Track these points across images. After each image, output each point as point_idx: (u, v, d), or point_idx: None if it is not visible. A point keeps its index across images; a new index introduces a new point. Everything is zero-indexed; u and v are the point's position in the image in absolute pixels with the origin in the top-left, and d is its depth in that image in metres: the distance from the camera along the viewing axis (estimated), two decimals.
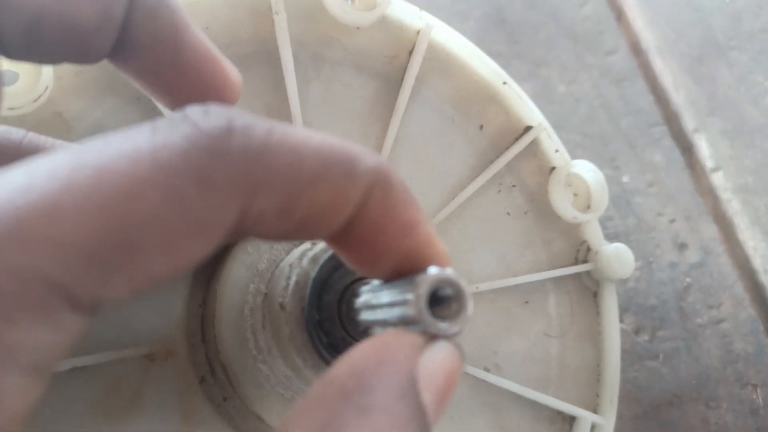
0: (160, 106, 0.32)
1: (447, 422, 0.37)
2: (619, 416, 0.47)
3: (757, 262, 0.54)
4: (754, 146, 0.59)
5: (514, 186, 0.40)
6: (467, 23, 0.60)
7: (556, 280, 0.40)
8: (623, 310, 0.51)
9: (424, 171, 0.38)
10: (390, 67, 0.37)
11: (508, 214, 0.40)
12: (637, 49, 0.62)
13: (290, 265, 0.30)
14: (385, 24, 0.36)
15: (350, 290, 0.29)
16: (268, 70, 0.35)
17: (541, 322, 0.40)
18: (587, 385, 0.40)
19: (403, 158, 0.38)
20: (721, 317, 0.52)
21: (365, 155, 0.22)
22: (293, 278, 0.29)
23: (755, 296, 0.53)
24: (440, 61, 0.38)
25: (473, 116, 0.39)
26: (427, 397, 0.21)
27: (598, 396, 0.40)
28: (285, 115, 0.35)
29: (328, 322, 0.29)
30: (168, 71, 0.26)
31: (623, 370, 0.49)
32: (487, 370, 0.38)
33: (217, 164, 0.19)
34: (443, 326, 0.22)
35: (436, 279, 0.22)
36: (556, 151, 0.40)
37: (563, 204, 0.40)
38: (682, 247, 0.54)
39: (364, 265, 0.24)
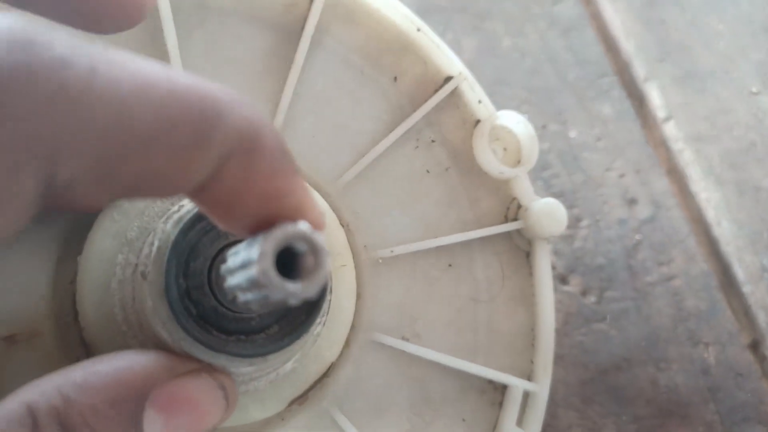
0: None
1: (362, 399, 0.34)
2: (565, 383, 0.44)
3: (710, 215, 0.51)
4: (706, 92, 0.56)
5: (433, 141, 0.37)
6: None
7: (484, 240, 0.37)
8: (569, 272, 0.48)
9: (329, 129, 0.35)
10: (288, 17, 0.34)
11: (428, 171, 0.37)
12: None
13: (155, 230, 0.27)
14: None
15: (221, 256, 0.26)
16: (145, 21, 0.31)
17: (468, 286, 0.37)
18: (520, 351, 0.37)
19: (303, 116, 0.35)
20: (672, 274, 0.49)
21: (230, 110, 0.18)
22: (155, 243, 0.26)
23: (709, 250, 0.50)
24: (345, 8, 0.35)
25: (386, 67, 0.36)
26: (154, 418, 0.21)
27: (532, 362, 0.37)
28: None
29: (197, 290, 0.26)
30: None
31: (569, 334, 0.46)
32: (406, 339, 0.35)
33: (2, 115, 0.14)
34: (295, 288, 0.19)
35: (284, 234, 0.19)
36: (480, 102, 0.37)
37: (489, 159, 0.36)
38: (631, 202, 0.51)
39: (225, 225, 0.21)
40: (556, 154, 0.51)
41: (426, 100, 0.36)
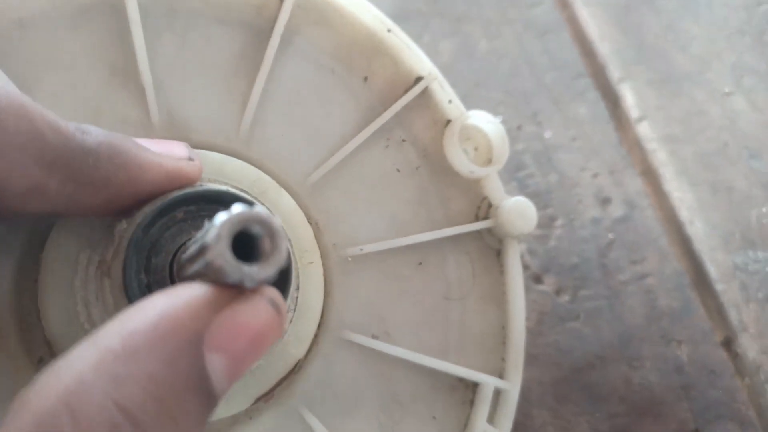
0: None
1: (331, 398, 0.34)
2: (540, 382, 0.44)
3: (684, 214, 0.51)
4: (681, 94, 0.56)
5: (404, 141, 0.37)
6: None
7: (455, 239, 0.37)
8: (544, 271, 0.48)
9: (299, 129, 0.35)
10: (259, 19, 0.34)
11: (398, 170, 0.36)
12: (562, 1, 0.58)
13: (119, 231, 0.26)
14: None
15: (181, 252, 0.26)
16: (113, 23, 0.31)
17: (438, 285, 0.36)
18: (491, 349, 0.37)
19: (272, 116, 0.34)
20: (646, 272, 0.49)
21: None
22: (116, 241, 0.26)
23: (682, 249, 0.50)
24: (316, 9, 0.35)
25: (356, 68, 0.36)
26: (217, 360, 0.19)
27: (503, 360, 0.37)
28: (132, 75, 0.31)
29: (159, 285, 0.26)
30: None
31: (543, 334, 0.46)
32: (375, 337, 0.34)
33: None
34: (251, 270, 0.19)
35: (240, 218, 0.19)
36: (450, 102, 0.37)
37: (459, 158, 0.36)
38: (605, 201, 0.51)
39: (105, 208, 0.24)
40: (531, 155, 0.51)
41: (396, 100, 0.36)
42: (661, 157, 0.53)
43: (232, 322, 0.19)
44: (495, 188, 0.37)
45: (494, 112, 0.37)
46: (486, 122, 0.37)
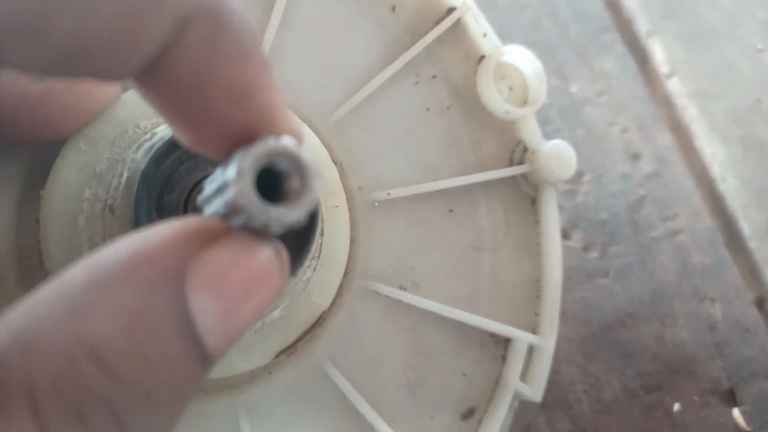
0: None
1: (354, 350, 0.31)
2: (567, 339, 0.42)
3: (716, 171, 0.49)
4: (711, 49, 0.53)
5: (434, 77, 0.34)
6: None
7: (488, 185, 0.34)
8: (571, 227, 0.46)
9: (321, 61, 0.32)
10: None
11: (428, 109, 0.34)
12: None
13: (124, 161, 0.23)
14: None
15: (198, 188, 0.23)
16: None
17: (469, 234, 0.34)
18: (524, 303, 0.34)
19: (292, 47, 0.32)
20: (677, 229, 0.47)
21: None
22: (125, 174, 0.23)
23: (714, 206, 0.48)
24: None
25: None
26: (202, 301, 0.15)
27: (537, 314, 0.34)
28: None
29: None
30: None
31: (571, 290, 0.44)
32: (403, 288, 0.32)
33: None
34: (278, 212, 0.16)
35: (265, 149, 0.16)
36: (485, 35, 0.34)
37: (494, 98, 0.33)
38: (635, 157, 0.49)
39: (190, 135, 0.17)
40: (557, 110, 0.49)
41: (426, 32, 0.33)
42: (691, 113, 0.51)
43: (220, 260, 0.16)
44: (531, 131, 0.34)
45: None
46: (522, 59, 0.34)
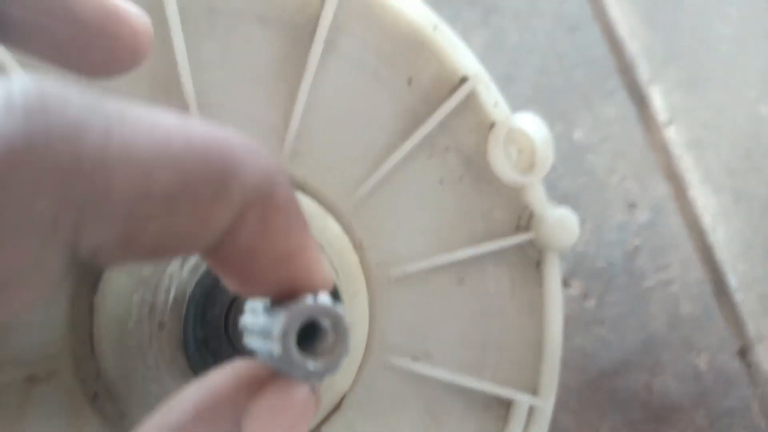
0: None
1: (370, 419, 0.33)
2: (565, 386, 0.44)
3: (707, 221, 0.51)
4: (708, 98, 0.55)
5: (447, 149, 0.35)
6: None
7: (496, 252, 0.35)
8: (571, 275, 0.48)
9: (342, 142, 0.33)
10: (300, 16, 0.32)
11: (441, 182, 0.35)
12: None
13: (170, 276, 0.25)
14: None
15: (237, 304, 0.25)
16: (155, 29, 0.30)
17: (478, 301, 0.35)
18: (527, 363, 0.36)
19: (316, 126, 0.33)
20: (670, 279, 0.49)
21: (245, 163, 0.17)
22: (172, 292, 0.25)
23: (704, 257, 0.50)
24: (360, 5, 0.32)
25: (400, 68, 0.34)
26: None
27: (539, 373, 0.36)
28: (173, 83, 0.29)
29: (215, 340, 0.25)
30: (62, 41, 0.20)
31: (570, 338, 0.46)
32: (416, 359, 0.34)
33: (20, 189, 0.13)
34: (315, 367, 0.17)
35: (308, 311, 0.17)
36: (495, 105, 0.35)
37: (503, 165, 0.34)
38: (632, 206, 0.51)
39: (238, 288, 0.19)
40: (560, 155, 0.51)
41: (441, 103, 0.34)
42: (687, 163, 0.53)
43: (270, 408, 0.18)
44: (538, 198, 0.36)
45: (524, 109, 0.36)
46: (531, 125, 0.35)
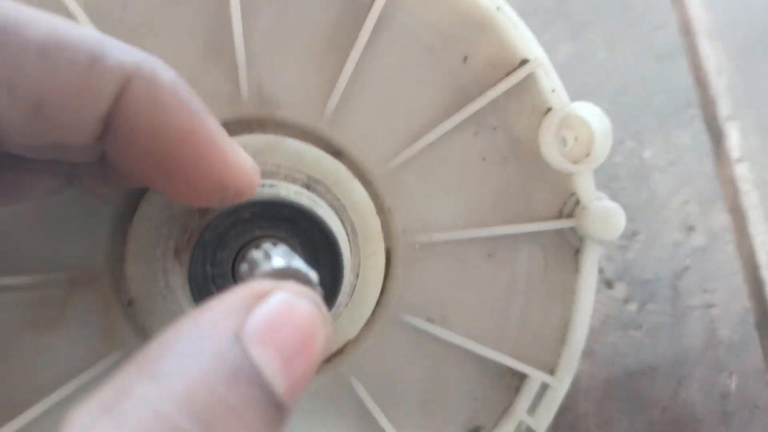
0: None
1: (376, 367, 0.35)
2: (591, 375, 0.47)
3: (762, 258, 0.52)
4: None
5: (496, 128, 0.34)
6: None
7: (533, 233, 0.35)
8: (617, 278, 0.50)
9: (387, 110, 0.33)
10: None
11: (484, 159, 0.34)
12: (686, 29, 0.60)
13: (192, 217, 0.29)
14: None
15: (243, 251, 0.28)
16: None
17: (506, 277, 0.35)
18: (548, 345, 0.36)
19: (360, 97, 0.33)
20: (713, 302, 0.50)
21: (116, 50, 0.19)
22: (188, 231, 0.28)
23: (753, 290, 0.51)
24: None
25: (457, 45, 0.33)
26: (263, 352, 0.17)
27: (558, 356, 0.36)
28: (227, 51, 0.31)
29: (221, 278, 0.28)
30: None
31: (605, 333, 0.48)
32: (430, 320, 0.35)
33: None
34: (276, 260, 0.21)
35: (277, 273, 0.21)
36: (553, 90, 0.34)
37: (554, 150, 0.34)
38: (689, 229, 0.52)
39: (164, 187, 0.21)
40: (627, 169, 0.53)
41: (495, 84, 0.33)
42: (753, 199, 0.54)
43: (268, 316, 0.18)
44: (587, 186, 0.35)
45: None
46: (590, 114, 0.34)
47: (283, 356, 0.18)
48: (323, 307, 0.20)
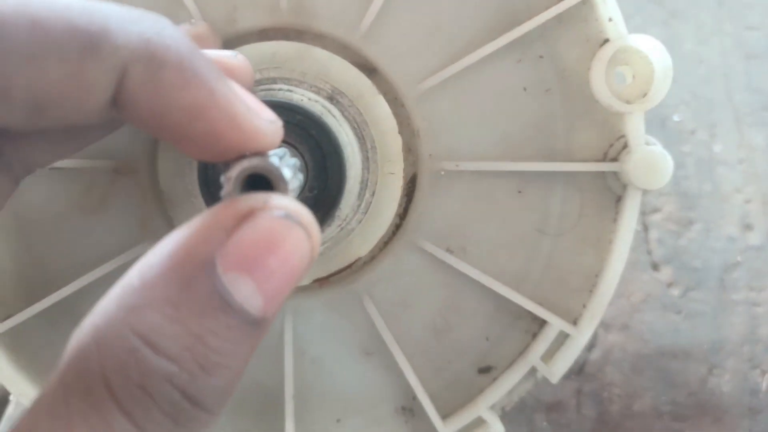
0: None
1: (392, 290, 0.34)
2: (623, 348, 0.45)
3: None
4: None
5: (542, 57, 0.32)
6: None
7: (571, 174, 0.33)
8: (664, 262, 0.48)
9: (423, 30, 0.32)
10: None
11: (525, 89, 0.32)
12: None
13: None
14: None
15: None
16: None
17: (535, 216, 0.33)
18: (574, 292, 0.34)
19: (398, 12, 0.32)
20: (759, 301, 0.48)
21: (117, 29, 0.19)
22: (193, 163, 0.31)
23: None
24: None
25: None
26: (239, 280, 0.18)
27: (584, 307, 0.33)
28: None
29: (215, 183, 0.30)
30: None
31: (643, 312, 0.46)
32: (450, 251, 0.33)
33: None
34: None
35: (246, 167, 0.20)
36: (611, 20, 0.31)
37: (606, 86, 0.31)
38: (747, 227, 0.50)
39: (185, 150, 0.21)
40: (694, 159, 0.51)
41: (547, 7, 0.30)
42: None
43: (240, 243, 0.18)
44: (637, 128, 0.32)
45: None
46: (651, 48, 0.31)
47: (260, 278, 0.18)
48: (300, 216, 0.20)
